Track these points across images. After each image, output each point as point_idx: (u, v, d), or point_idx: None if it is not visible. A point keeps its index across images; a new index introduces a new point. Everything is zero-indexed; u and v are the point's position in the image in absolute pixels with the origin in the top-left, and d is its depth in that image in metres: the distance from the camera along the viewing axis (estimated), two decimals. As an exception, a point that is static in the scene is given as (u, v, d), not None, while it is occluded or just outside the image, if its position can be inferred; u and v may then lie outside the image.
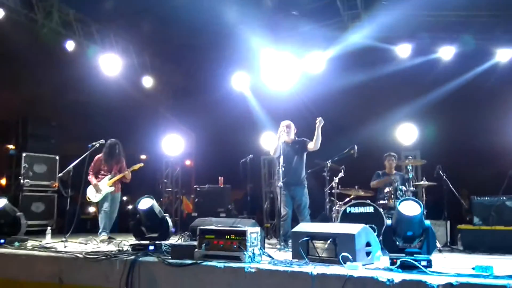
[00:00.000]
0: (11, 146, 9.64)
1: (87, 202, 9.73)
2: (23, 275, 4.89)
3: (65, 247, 5.59)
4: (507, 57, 9.19)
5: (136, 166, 7.39)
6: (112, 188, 7.23)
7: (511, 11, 8.87)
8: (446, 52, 9.49)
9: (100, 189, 7.17)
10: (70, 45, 9.46)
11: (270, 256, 4.47)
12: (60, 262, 4.75)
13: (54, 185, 8.98)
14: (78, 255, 4.72)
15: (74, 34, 9.58)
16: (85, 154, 6.81)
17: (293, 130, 6.58)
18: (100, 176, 7.28)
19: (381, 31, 9.86)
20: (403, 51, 9.74)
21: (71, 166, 6.71)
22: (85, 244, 6.25)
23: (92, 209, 10.44)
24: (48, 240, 6.32)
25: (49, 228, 6.77)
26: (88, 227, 9.71)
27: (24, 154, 8.75)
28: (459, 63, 9.45)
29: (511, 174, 6.59)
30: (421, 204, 4.20)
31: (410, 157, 7.59)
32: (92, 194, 7.20)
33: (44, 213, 8.88)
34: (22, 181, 8.47)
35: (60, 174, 6.90)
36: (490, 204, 6.68)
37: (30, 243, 5.88)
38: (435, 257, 4.35)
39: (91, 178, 7.22)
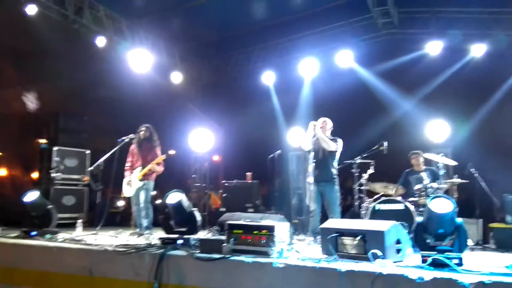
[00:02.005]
0: (43, 140, 9.83)
1: (116, 196, 9.93)
2: (54, 267, 4.95)
3: (95, 240, 5.65)
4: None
5: (159, 159, 6.94)
6: (141, 183, 6.89)
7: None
8: (478, 50, 9.44)
9: (131, 184, 6.95)
10: (100, 41, 9.64)
11: (298, 252, 4.44)
12: (90, 255, 4.81)
13: (84, 179, 9.09)
14: (108, 248, 4.78)
15: (105, 30, 9.76)
16: (115, 148, 6.87)
17: (328, 127, 6.53)
18: (134, 167, 7.01)
19: (412, 28, 9.80)
20: (434, 48, 9.69)
21: (101, 160, 6.81)
22: (115, 237, 6.28)
23: (121, 203, 10.58)
24: (78, 232, 6.38)
25: (79, 220, 6.80)
26: (118, 221, 9.86)
27: (55, 148, 8.85)
28: (490, 60, 9.35)
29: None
30: (453, 201, 4.11)
31: (442, 154, 7.43)
32: (125, 188, 7.05)
33: (74, 206, 8.97)
34: (53, 174, 8.58)
35: (91, 168, 6.99)
36: (523, 202, 6.51)
37: (61, 235, 5.96)
38: (467, 255, 4.24)
39: (126, 172, 7.04)
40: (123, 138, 6.99)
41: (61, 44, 9.28)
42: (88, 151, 9.34)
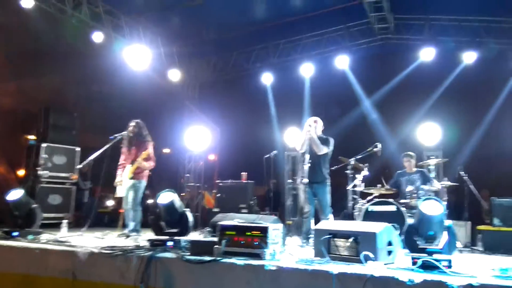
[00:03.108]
0: (31, 137, 9.63)
1: (106, 195, 9.78)
2: (35, 270, 4.78)
3: (80, 241, 5.46)
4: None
5: (145, 154, 6.69)
6: (131, 181, 6.67)
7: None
8: (469, 57, 9.76)
9: (123, 183, 6.74)
10: (98, 37, 9.53)
11: (291, 254, 4.41)
12: (74, 257, 4.63)
13: (73, 177, 8.81)
14: (94, 250, 4.61)
15: (103, 26, 9.67)
16: (107, 146, 6.67)
17: (320, 127, 6.49)
18: (127, 165, 6.83)
19: (407, 34, 9.95)
20: (427, 55, 9.97)
21: (91, 158, 6.61)
22: (102, 238, 6.13)
23: (110, 203, 10.44)
24: (63, 233, 6.16)
25: (64, 221, 6.53)
26: (106, 221, 9.68)
27: (44, 145, 8.62)
28: (481, 67, 9.60)
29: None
30: (443, 204, 4.15)
31: (432, 157, 7.47)
32: (118, 189, 6.81)
33: (61, 205, 8.67)
34: (40, 172, 8.32)
35: (80, 166, 6.82)
36: (510, 206, 6.65)
37: (44, 236, 5.74)
38: (455, 257, 4.30)
39: (118, 171, 6.84)
40: (115, 135, 6.78)
41: (57, 39, 9.18)
42: (78, 149, 9.11)
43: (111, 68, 10.00)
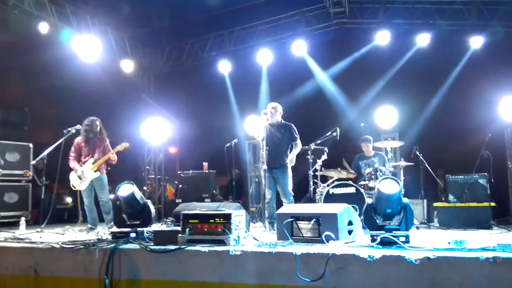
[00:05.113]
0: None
1: (64, 191, 9.49)
2: None
3: (40, 237, 5.36)
4: (479, 44, 9.65)
5: (120, 147, 6.77)
6: (97, 174, 6.66)
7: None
8: (423, 39, 9.92)
9: (85, 176, 6.62)
10: (43, 28, 9.10)
11: (255, 239, 4.45)
12: (35, 253, 4.53)
13: (28, 174, 8.57)
14: (54, 245, 4.52)
15: (48, 16, 9.22)
16: (60, 140, 6.52)
17: (279, 113, 6.51)
18: (82, 160, 6.71)
19: (362, 18, 10.08)
20: (383, 38, 10.08)
21: (45, 153, 6.44)
22: (62, 234, 6.00)
23: (69, 199, 10.15)
24: (22, 231, 6.01)
25: (23, 218, 6.40)
26: (66, 217, 9.46)
27: (-6, 142, 8.35)
28: (434, 48, 9.82)
29: (483, 154, 6.73)
30: (399, 182, 4.28)
31: (389, 139, 7.69)
32: (76, 182, 6.68)
33: (18, 203, 8.45)
34: None
35: (34, 162, 6.62)
36: (464, 182, 6.93)
37: (2, 234, 5.58)
38: (413, 233, 4.45)
39: (74, 164, 6.68)
40: (69, 129, 6.66)
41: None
42: (30, 145, 8.80)
43: (60, 60, 9.54)
